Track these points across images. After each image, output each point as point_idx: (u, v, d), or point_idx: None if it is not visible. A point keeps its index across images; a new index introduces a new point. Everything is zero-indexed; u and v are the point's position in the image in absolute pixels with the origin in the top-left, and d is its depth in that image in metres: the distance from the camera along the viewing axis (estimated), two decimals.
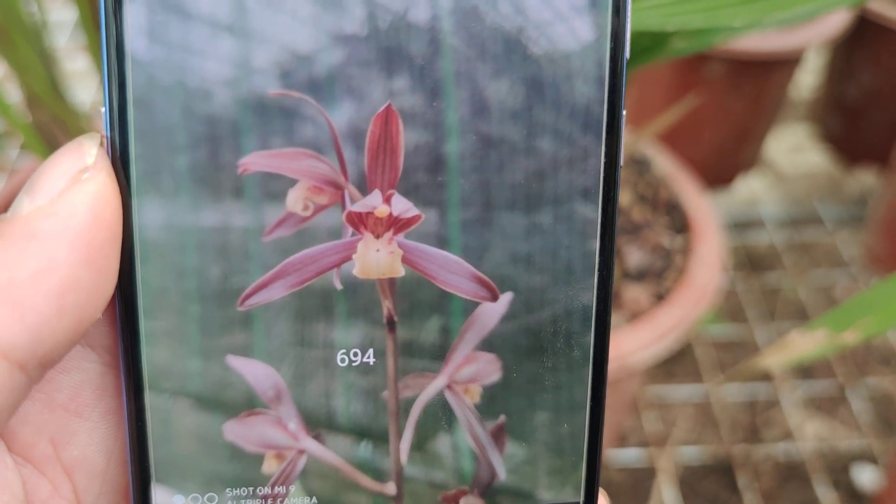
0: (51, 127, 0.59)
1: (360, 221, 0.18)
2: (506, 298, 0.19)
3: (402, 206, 0.18)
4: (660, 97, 0.90)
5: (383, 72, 0.17)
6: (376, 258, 0.18)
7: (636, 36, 0.51)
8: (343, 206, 0.18)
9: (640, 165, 0.64)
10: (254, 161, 0.17)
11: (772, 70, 0.86)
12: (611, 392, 0.59)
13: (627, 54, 0.18)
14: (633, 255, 0.57)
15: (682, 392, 1.15)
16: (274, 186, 0.17)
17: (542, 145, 0.18)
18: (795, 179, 1.38)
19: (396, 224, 0.18)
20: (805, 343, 0.45)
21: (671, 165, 0.65)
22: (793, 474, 1.12)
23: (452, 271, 0.18)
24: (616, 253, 0.58)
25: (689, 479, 1.13)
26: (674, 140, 0.91)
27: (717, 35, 0.48)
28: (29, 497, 0.17)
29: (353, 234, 0.18)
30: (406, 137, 0.17)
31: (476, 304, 0.19)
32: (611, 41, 0.18)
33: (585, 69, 0.18)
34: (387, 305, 0.18)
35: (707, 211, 0.61)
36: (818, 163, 1.16)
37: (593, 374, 0.19)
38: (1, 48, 0.52)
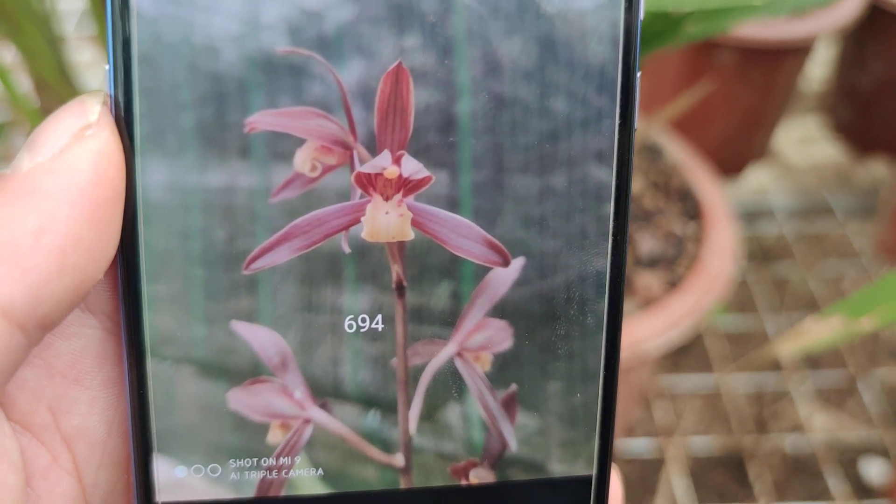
0: None
1: (368, 183, 0.17)
2: (518, 263, 0.18)
3: (412, 167, 0.17)
4: (670, 86, 0.90)
5: (394, 29, 0.17)
6: (385, 221, 0.18)
7: (649, 20, 0.51)
8: (352, 168, 0.17)
9: (652, 153, 0.64)
10: (261, 120, 0.17)
11: (782, 59, 0.85)
12: (621, 381, 0.58)
13: (642, 14, 0.17)
14: (645, 243, 0.57)
15: (691, 383, 1.15)
16: (281, 146, 0.17)
17: (556, 106, 0.17)
18: (805, 170, 1.37)
19: (406, 186, 0.17)
20: (818, 331, 0.44)
21: (683, 153, 0.65)
22: (801, 466, 1.12)
23: (463, 235, 0.18)
24: (628, 238, 0.57)
25: (698, 471, 1.12)
26: (684, 128, 0.91)
27: (730, 19, 0.47)
28: (27, 467, 0.17)
29: (361, 196, 0.17)
30: (417, 97, 0.17)
31: (487, 270, 0.18)
32: (625, 4, 0.17)
33: (600, 28, 0.17)
34: (396, 270, 0.18)
35: (719, 199, 0.60)
36: (828, 154, 1.15)
37: (607, 342, 0.19)
38: (10, 34, 0.52)
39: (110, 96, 0.16)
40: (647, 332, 0.52)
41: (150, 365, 0.17)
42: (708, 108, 0.89)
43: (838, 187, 1.05)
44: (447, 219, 0.18)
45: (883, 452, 1.11)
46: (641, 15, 0.17)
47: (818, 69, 1.12)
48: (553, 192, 0.18)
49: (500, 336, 0.18)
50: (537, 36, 0.17)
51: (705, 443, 1.03)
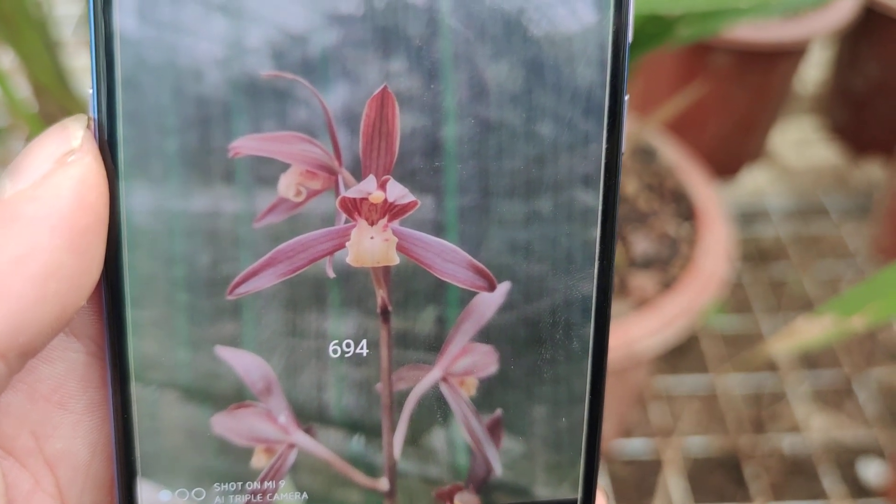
0: (57, 118, 0.59)
1: (353, 208, 0.17)
2: (503, 288, 0.18)
3: (397, 191, 0.17)
4: (665, 88, 0.90)
5: (379, 53, 0.17)
6: (370, 246, 0.17)
7: (641, 22, 0.51)
8: (336, 192, 0.17)
9: (647, 154, 0.64)
10: (245, 144, 0.17)
11: (777, 61, 0.85)
12: (617, 382, 0.58)
13: (630, 37, 0.17)
14: (639, 244, 0.57)
15: (688, 384, 1.15)
16: (265, 171, 0.17)
17: (542, 130, 0.17)
18: (801, 172, 1.37)
19: (391, 210, 0.17)
20: (811, 329, 0.45)
21: (677, 155, 0.65)
22: (799, 467, 1.12)
23: (449, 260, 0.18)
24: (622, 241, 0.57)
25: (696, 472, 1.12)
26: (679, 130, 0.91)
27: (722, 21, 0.47)
28: (10, 491, 0.17)
29: (346, 221, 0.17)
30: (402, 121, 0.17)
31: (473, 294, 0.18)
32: (613, 23, 0.17)
33: (587, 52, 0.17)
34: (381, 295, 0.18)
35: (713, 200, 0.61)
36: (824, 155, 1.15)
37: (593, 366, 0.19)
38: (9, 39, 0.52)
39: (94, 120, 0.16)
40: (641, 331, 0.52)
41: (135, 389, 0.17)
42: (703, 110, 0.89)
43: (834, 188, 1.05)
44: (432, 243, 0.18)
45: (880, 453, 1.11)
46: (630, 38, 0.17)
47: (813, 71, 1.12)
48: (539, 216, 0.18)
49: (486, 361, 0.18)
50: (524, 59, 0.17)
51: (703, 444, 1.03)
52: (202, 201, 0.17)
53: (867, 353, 1.25)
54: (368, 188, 0.17)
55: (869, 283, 0.41)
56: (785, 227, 0.97)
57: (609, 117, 0.17)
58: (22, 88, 0.60)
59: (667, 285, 0.55)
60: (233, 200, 0.17)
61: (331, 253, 0.17)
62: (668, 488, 1.08)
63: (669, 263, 0.56)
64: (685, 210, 0.61)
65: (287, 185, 0.17)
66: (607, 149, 0.18)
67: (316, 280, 0.18)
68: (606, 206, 0.18)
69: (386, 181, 0.17)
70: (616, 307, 0.53)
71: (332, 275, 0.18)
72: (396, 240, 0.18)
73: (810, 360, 1.23)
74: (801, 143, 1.39)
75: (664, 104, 0.90)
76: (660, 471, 1.12)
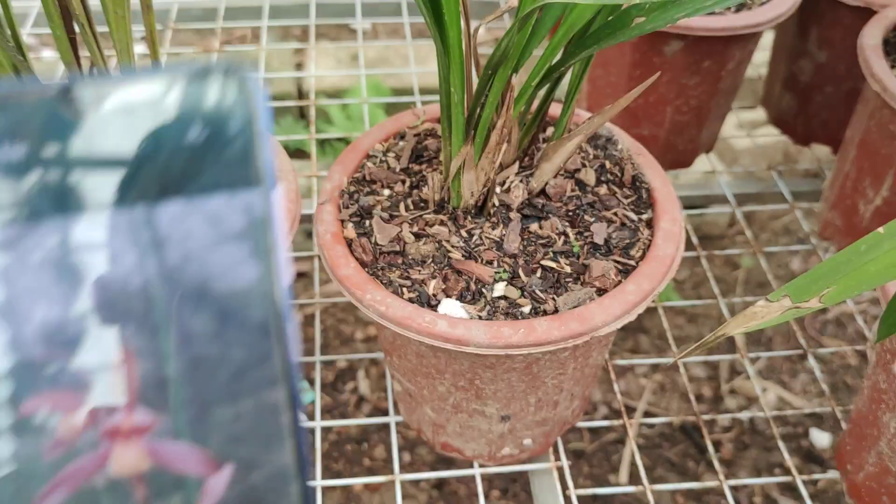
0: None
1: (112, 433, 0.24)
2: (227, 469, 0.25)
3: (142, 416, 0.24)
4: (620, 75, 0.92)
5: (116, 323, 0.23)
6: (128, 458, 0.24)
7: (605, 13, 0.52)
8: (98, 425, 0.24)
9: (606, 142, 0.66)
10: (31, 404, 0.23)
11: (731, 48, 0.87)
12: (582, 365, 0.60)
13: (287, 285, 0.24)
14: (600, 231, 0.58)
15: (649, 361, 1.18)
16: (49, 420, 0.23)
17: (234, 355, 0.24)
18: (753, 154, 1.41)
19: (140, 430, 0.24)
20: (768, 311, 0.47)
21: (634, 143, 0.66)
22: (755, 440, 1.16)
23: (185, 457, 0.24)
24: (583, 229, 0.59)
25: (657, 447, 1.15)
26: (638, 120, 0.93)
27: (682, 10, 0.49)
28: None
29: (108, 443, 0.24)
30: (138, 366, 0.24)
31: (206, 479, 0.24)
32: (271, 278, 0.23)
33: (257, 298, 0.24)
34: (140, 493, 0.24)
35: (670, 187, 0.62)
36: (776, 137, 1.18)
37: None
38: None
39: None
40: (604, 318, 0.53)
41: None
42: (659, 98, 0.91)
43: (785, 171, 1.08)
44: (172, 447, 0.24)
45: (832, 423, 1.15)
46: (286, 285, 0.24)
47: (766, 56, 1.15)
48: (244, 414, 0.24)
49: None
50: (214, 310, 0.24)
51: (663, 420, 1.06)
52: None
53: (819, 327, 1.29)
54: (121, 417, 0.24)
55: (821, 268, 0.44)
56: (739, 209, 0.99)
57: (277, 339, 0.24)
58: None
59: (627, 272, 0.57)
60: (27, 445, 0.23)
61: (100, 468, 0.24)
62: (630, 463, 1.11)
63: (629, 249, 0.58)
64: (643, 197, 0.62)
65: (63, 427, 0.24)
66: (281, 360, 0.24)
67: (92, 492, 0.24)
68: (290, 399, 0.24)
69: (133, 409, 0.24)
70: (579, 294, 0.55)
71: (102, 484, 0.24)
72: (146, 450, 0.24)
73: (765, 337, 1.27)
74: (752, 125, 1.42)
75: (621, 92, 0.92)
76: (623, 446, 1.14)
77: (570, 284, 0.56)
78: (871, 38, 0.81)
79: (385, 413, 1.21)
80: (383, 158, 0.65)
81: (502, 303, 0.55)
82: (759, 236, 1.40)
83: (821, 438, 1.21)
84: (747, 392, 1.20)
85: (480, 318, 0.54)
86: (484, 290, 0.56)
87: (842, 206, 0.88)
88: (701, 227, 1.41)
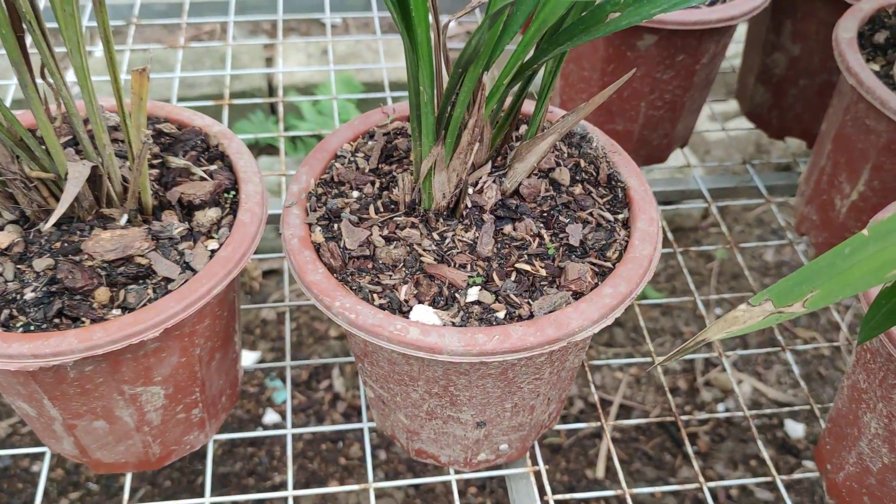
0: None
1: None
2: None
3: None
4: (594, 70, 0.90)
5: None
6: None
7: (571, 9, 0.51)
8: None
9: (580, 140, 0.64)
10: None
11: (704, 42, 0.86)
12: (558, 368, 0.59)
13: None
14: (576, 232, 0.57)
15: (626, 355, 1.16)
16: None
17: None
18: (726, 145, 1.40)
19: None
20: (749, 316, 0.45)
21: (609, 140, 0.65)
22: (731, 432, 1.15)
23: None
24: (559, 230, 0.57)
25: (633, 440, 1.14)
26: (612, 115, 0.91)
27: (655, 7, 0.47)
28: None
29: None
30: None
31: None
32: None
33: None
34: None
35: (646, 186, 0.61)
36: (748, 129, 1.17)
37: None
38: None
39: None
40: (580, 322, 0.52)
41: None
42: (634, 94, 0.89)
43: (760, 164, 1.08)
44: None
45: (806, 414, 1.15)
46: None
47: (739, 49, 1.14)
48: None
49: None
50: None
51: (641, 412, 1.05)
52: None
53: (793, 320, 1.29)
54: None
55: (804, 271, 0.42)
56: (714, 203, 0.98)
57: None
58: None
59: (604, 274, 0.55)
60: None
61: None
62: (607, 457, 1.10)
63: (606, 250, 0.57)
64: (619, 195, 0.61)
65: None
66: None
67: None
68: None
69: None
70: (555, 298, 0.53)
71: None
72: None
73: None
74: (727, 119, 1.41)
75: (594, 86, 0.90)
76: (601, 439, 1.13)
77: (545, 288, 0.54)
78: (845, 31, 0.80)
79: (360, 412, 1.19)
80: (352, 159, 0.63)
81: (476, 308, 0.53)
82: (732, 228, 1.39)
83: (795, 429, 1.21)
84: (723, 384, 1.20)
85: (454, 324, 0.52)
86: (457, 295, 0.54)
87: (818, 200, 0.87)
88: (674, 220, 1.41)
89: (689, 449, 0.76)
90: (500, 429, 0.64)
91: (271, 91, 1.54)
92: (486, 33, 0.42)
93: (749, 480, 0.77)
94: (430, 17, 0.50)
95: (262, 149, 1.58)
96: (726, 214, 1.40)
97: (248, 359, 1.27)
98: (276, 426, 1.17)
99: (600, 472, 1.13)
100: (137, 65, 1.51)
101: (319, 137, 1.57)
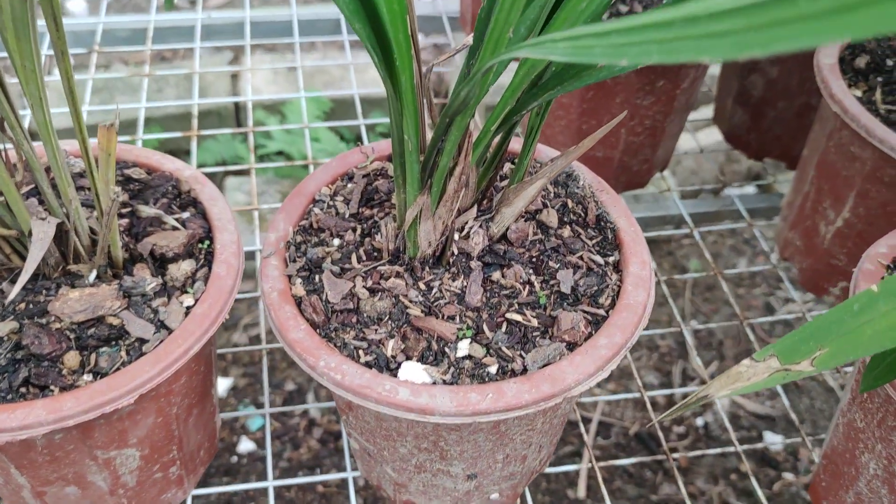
0: None
1: None
2: None
3: None
4: (574, 97, 0.88)
5: None
6: None
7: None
8: None
9: (567, 178, 0.62)
10: None
11: (685, 65, 0.85)
12: (551, 417, 0.57)
13: None
14: (566, 279, 0.55)
15: (613, 398, 1.15)
16: None
17: None
18: (710, 170, 1.39)
19: None
20: (754, 372, 0.44)
21: (596, 178, 0.63)
22: (710, 445, 1.15)
23: None
24: (549, 278, 0.55)
25: (613, 457, 1.13)
26: (594, 145, 0.90)
27: (647, 58, 0.45)
28: None
29: None
30: None
31: None
32: None
33: None
34: None
35: (636, 226, 0.59)
36: (732, 153, 1.16)
37: None
38: None
39: None
40: (576, 377, 0.50)
41: None
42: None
43: (741, 186, 1.07)
44: None
45: (785, 427, 1.15)
46: None
47: (713, 69, 1.13)
48: None
49: None
50: None
51: (621, 428, 1.03)
52: None
53: (768, 329, 1.29)
54: None
55: (811, 326, 0.41)
56: (697, 228, 0.97)
57: None
58: None
59: (597, 322, 0.53)
60: None
61: None
62: (589, 474, 1.08)
63: (598, 297, 0.55)
64: (610, 237, 0.59)
65: None
66: None
67: None
68: None
69: None
70: (548, 350, 0.51)
71: None
72: None
73: (715, 339, 1.26)
74: (709, 141, 1.40)
75: (573, 113, 0.88)
76: (580, 456, 1.12)
77: (537, 339, 0.52)
78: (826, 56, 0.79)
79: (337, 436, 1.16)
80: (331, 203, 0.61)
81: (467, 363, 0.51)
82: (719, 253, 1.39)
83: (774, 441, 1.20)
84: (703, 397, 1.19)
85: (444, 381, 0.50)
86: (447, 349, 0.52)
87: (802, 226, 0.86)
88: (661, 247, 1.39)
89: (670, 465, 0.75)
90: (491, 479, 0.61)
91: (238, 110, 1.51)
92: (477, 86, 0.40)
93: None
94: (414, 63, 0.47)
95: (229, 169, 1.55)
96: (711, 238, 1.39)
97: (221, 385, 1.24)
98: (250, 455, 1.14)
99: (581, 491, 1.11)
100: (100, 91, 1.47)
101: (287, 156, 1.54)
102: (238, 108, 1.53)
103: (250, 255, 0.93)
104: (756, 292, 1.34)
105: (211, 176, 1.51)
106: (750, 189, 1.39)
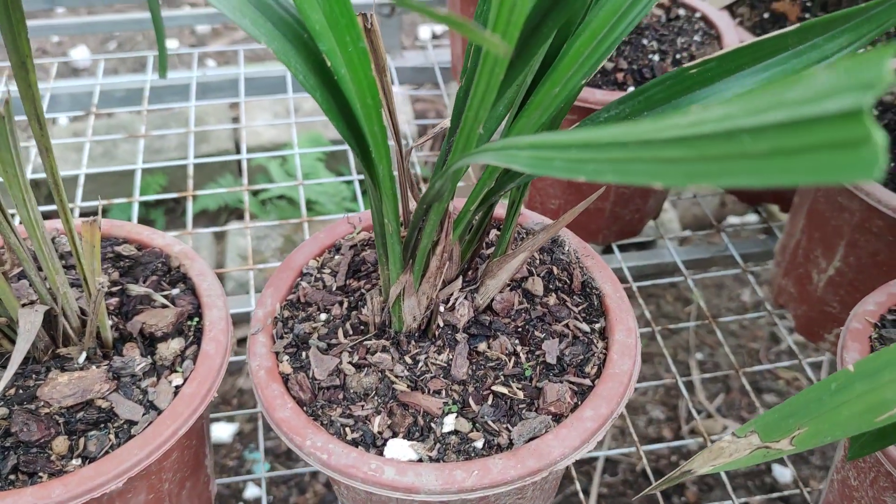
0: None
1: None
2: None
3: None
4: None
5: None
6: None
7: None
8: None
9: (552, 244, 0.63)
10: None
11: None
12: (541, 484, 0.57)
13: None
14: (552, 349, 0.55)
15: (611, 453, 1.15)
16: None
17: None
18: (702, 217, 1.40)
19: None
20: (735, 448, 0.44)
21: (581, 243, 0.64)
22: (718, 480, 1.14)
23: None
24: (535, 348, 0.56)
25: (621, 495, 1.12)
26: (580, 193, 0.90)
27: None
28: None
29: None
30: None
31: None
32: None
33: None
34: None
35: (622, 292, 0.60)
36: (724, 197, 1.17)
37: None
38: None
39: None
40: (562, 451, 0.50)
41: None
42: None
43: (735, 233, 1.07)
44: None
45: (794, 458, 1.14)
46: None
47: None
48: None
49: None
50: None
51: (627, 465, 1.03)
52: None
53: (765, 352, 1.28)
54: None
55: (791, 404, 0.41)
56: (690, 276, 0.97)
57: None
58: None
59: (584, 393, 0.54)
60: None
61: None
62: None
63: (584, 366, 0.55)
64: (596, 304, 0.59)
65: None
66: None
67: None
68: None
69: None
70: (534, 423, 0.51)
71: None
72: None
73: (720, 378, 1.25)
74: (700, 186, 1.40)
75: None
76: (588, 494, 1.11)
77: (523, 412, 0.53)
78: None
79: None
80: (318, 276, 0.61)
81: (453, 438, 0.51)
82: (712, 301, 1.39)
83: (783, 474, 1.19)
84: (709, 430, 1.18)
85: (430, 458, 0.50)
86: (433, 424, 0.52)
87: (794, 273, 0.87)
88: (653, 297, 1.39)
89: (677, 498, 0.74)
90: None
91: (238, 150, 1.52)
92: (449, 181, 0.41)
93: None
94: (392, 141, 0.48)
95: (231, 212, 1.57)
96: (704, 286, 1.39)
97: (226, 431, 1.24)
98: (256, 502, 1.14)
99: None
100: (97, 158, 1.49)
101: (289, 199, 1.55)
102: (238, 150, 1.54)
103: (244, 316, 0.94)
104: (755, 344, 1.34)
105: (214, 216, 1.53)
106: (745, 232, 1.39)
